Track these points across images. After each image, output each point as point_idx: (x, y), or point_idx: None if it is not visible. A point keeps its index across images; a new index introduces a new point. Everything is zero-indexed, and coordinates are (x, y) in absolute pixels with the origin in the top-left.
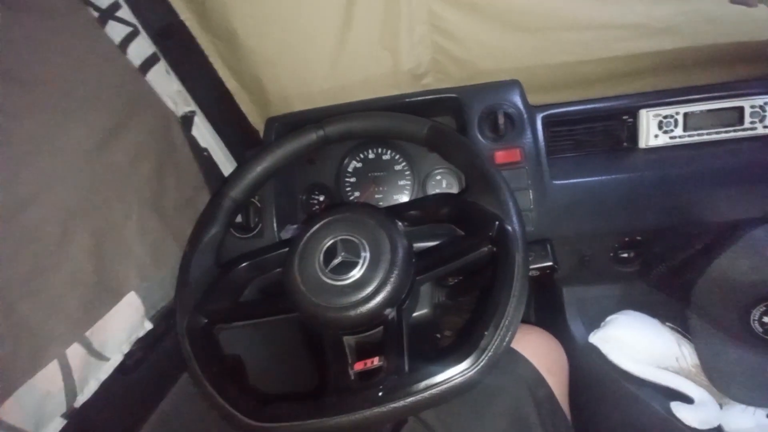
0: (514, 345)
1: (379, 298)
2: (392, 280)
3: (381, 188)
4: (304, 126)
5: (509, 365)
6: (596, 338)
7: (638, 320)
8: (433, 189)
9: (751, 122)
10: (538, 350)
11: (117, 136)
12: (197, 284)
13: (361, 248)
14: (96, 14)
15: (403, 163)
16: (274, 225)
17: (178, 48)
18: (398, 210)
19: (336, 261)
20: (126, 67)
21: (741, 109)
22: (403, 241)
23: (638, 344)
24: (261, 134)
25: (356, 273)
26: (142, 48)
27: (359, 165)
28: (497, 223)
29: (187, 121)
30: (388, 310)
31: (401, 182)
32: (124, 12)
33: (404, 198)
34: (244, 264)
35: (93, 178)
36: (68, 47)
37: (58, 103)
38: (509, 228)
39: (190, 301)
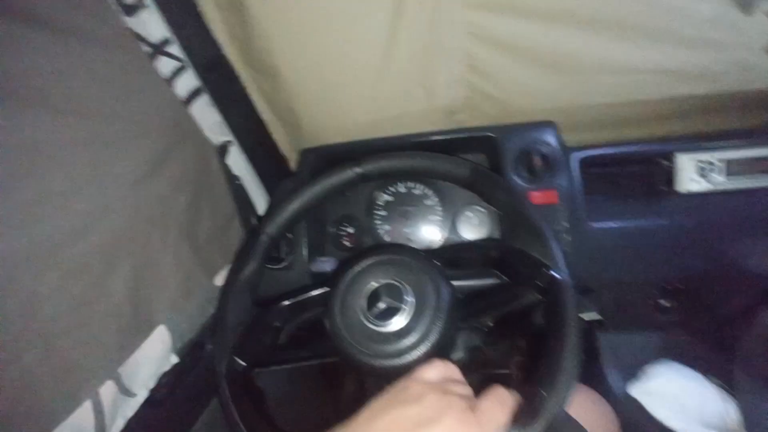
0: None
1: (423, 348)
2: (437, 328)
3: (411, 222)
4: (340, 162)
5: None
6: (637, 391)
7: (682, 373)
8: (463, 226)
9: None
10: (588, 414)
11: (161, 167)
12: (235, 324)
13: (405, 294)
14: (148, 49)
15: (435, 199)
16: (305, 257)
17: (221, 81)
18: (442, 253)
19: (381, 306)
20: (173, 100)
21: None
22: (448, 287)
23: (683, 400)
24: (291, 164)
25: (401, 320)
26: (188, 81)
27: (390, 198)
28: (547, 271)
29: (222, 150)
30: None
31: (431, 217)
32: (173, 47)
33: (434, 234)
34: (283, 303)
35: (137, 210)
36: (120, 80)
37: (108, 134)
38: (559, 277)
39: (228, 342)
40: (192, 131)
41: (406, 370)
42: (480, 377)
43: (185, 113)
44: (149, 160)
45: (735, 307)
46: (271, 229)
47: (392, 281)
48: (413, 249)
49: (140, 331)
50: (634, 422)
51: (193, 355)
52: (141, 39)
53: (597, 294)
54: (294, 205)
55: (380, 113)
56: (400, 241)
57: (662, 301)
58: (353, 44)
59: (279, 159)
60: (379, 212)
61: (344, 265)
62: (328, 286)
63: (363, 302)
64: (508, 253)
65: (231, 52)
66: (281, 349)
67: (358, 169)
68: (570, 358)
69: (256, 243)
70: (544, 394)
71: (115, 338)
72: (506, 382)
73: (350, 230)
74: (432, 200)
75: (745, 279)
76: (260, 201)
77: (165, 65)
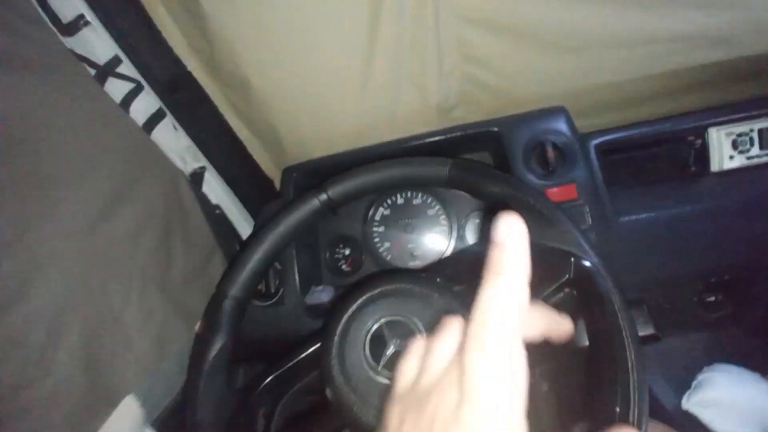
0: None
1: None
2: None
3: (414, 236)
4: (306, 191)
5: None
6: (693, 404)
7: (738, 377)
8: (472, 234)
9: None
10: None
11: (119, 204)
12: (209, 424)
13: (414, 328)
14: (93, 71)
15: (437, 207)
16: (298, 288)
17: (186, 101)
18: (442, 268)
19: (389, 351)
20: (129, 127)
21: None
22: (461, 307)
23: (743, 407)
24: (276, 183)
25: None
26: (146, 104)
27: (387, 212)
28: (572, 259)
29: (196, 177)
30: None
31: (436, 228)
32: (126, 67)
33: (441, 246)
34: (266, 382)
35: (90, 258)
36: (63, 110)
37: (53, 171)
38: (589, 264)
39: None
40: (156, 160)
41: None
42: None
43: (146, 140)
44: (105, 199)
45: None
46: (235, 290)
47: (395, 317)
48: (411, 272)
49: (100, 408)
50: None
51: (175, 423)
52: (86, 61)
53: (644, 304)
54: (256, 256)
55: (368, 118)
56: (404, 258)
57: (708, 297)
58: (330, 45)
59: (263, 181)
60: (376, 229)
61: (334, 310)
62: (318, 340)
63: (366, 351)
64: None
65: (195, 67)
66: None
67: (322, 196)
68: (631, 358)
69: (220, 312)
70: (617, 409)
71: (65, 421)
72: (533, 397)
73: (347, 252)
74: (434, 209)
75: None
76: (245, 229)
77: (117, 88)
